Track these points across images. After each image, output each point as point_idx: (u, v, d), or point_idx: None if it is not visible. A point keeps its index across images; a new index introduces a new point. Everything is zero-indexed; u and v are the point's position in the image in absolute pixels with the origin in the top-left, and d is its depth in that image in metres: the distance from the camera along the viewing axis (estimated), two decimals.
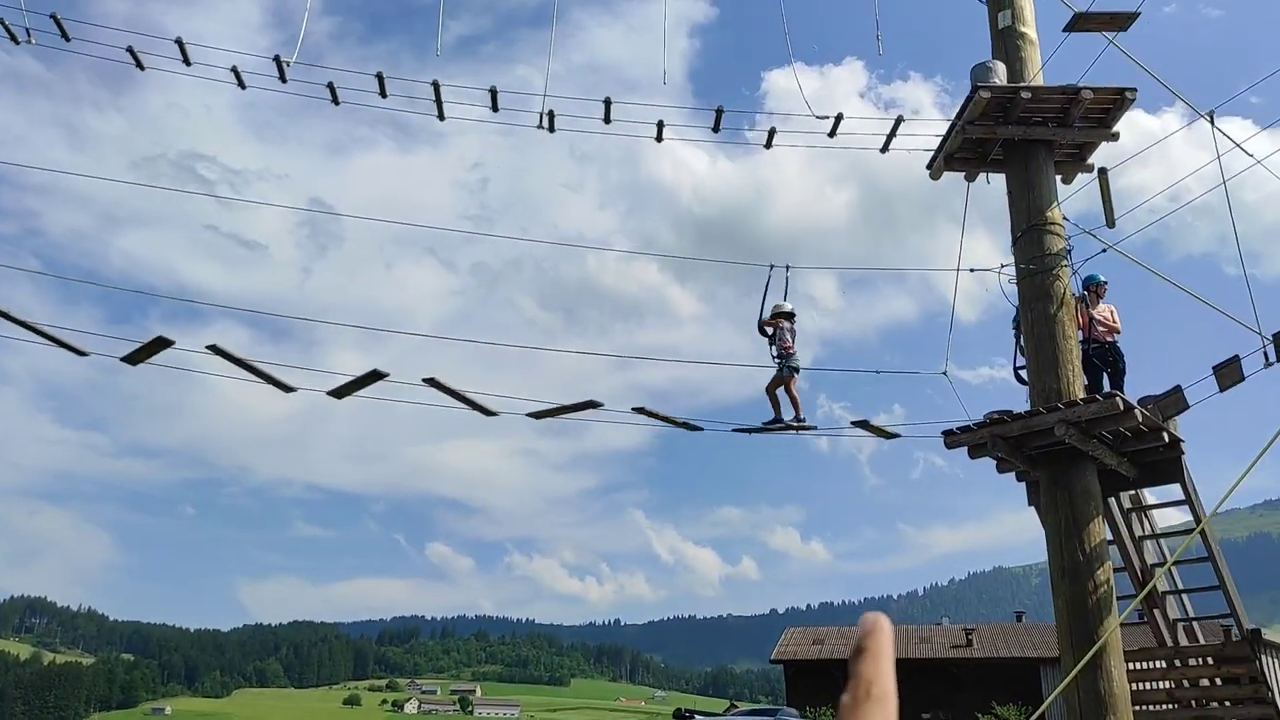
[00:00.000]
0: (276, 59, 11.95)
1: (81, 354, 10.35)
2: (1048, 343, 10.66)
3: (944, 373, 11.75)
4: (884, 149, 12.22)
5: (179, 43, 10.72)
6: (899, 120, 11.84)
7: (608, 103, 11.61)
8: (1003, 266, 11.40)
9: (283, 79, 12.00)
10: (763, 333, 12.59)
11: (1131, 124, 11.81)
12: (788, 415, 12.16)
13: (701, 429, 11.78)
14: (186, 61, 10.93)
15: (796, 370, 12.36)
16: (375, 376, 10.37)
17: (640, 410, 11.04)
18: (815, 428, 12.12)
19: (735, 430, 11.68)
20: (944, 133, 11.83)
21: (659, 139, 11.93)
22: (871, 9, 13.32)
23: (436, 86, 12.09)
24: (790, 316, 12.66)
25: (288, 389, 10.50)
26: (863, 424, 11.08)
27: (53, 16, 10.56)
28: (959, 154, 11.94)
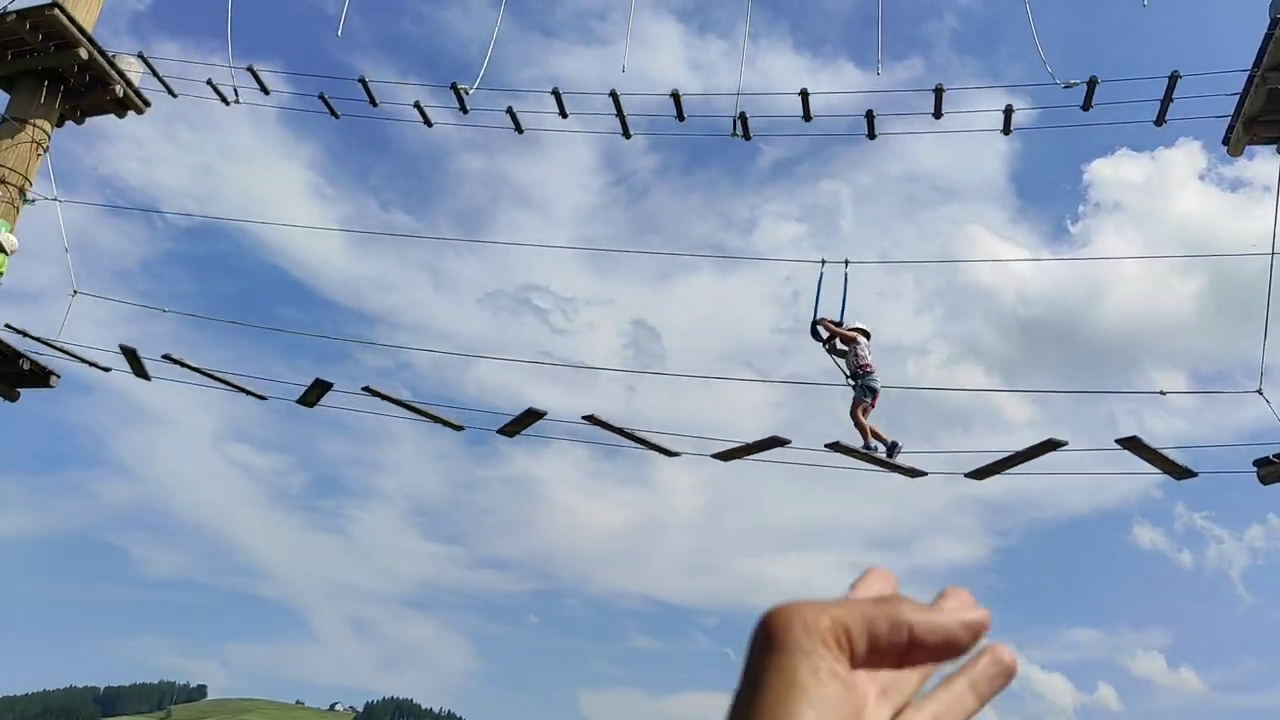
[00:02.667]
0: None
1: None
2: None
3: (1259, 390, 8.91)
4: (1158, 121, 9.84)
5: (363, 86, 10.70)
6: (1173, 79, 9.44)
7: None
8: None
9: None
10: (815, 336, 11.38)
11: None
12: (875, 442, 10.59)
13: (924, 474, 9.85)
14: (385, 105, 10.91)
15: (876, 392, 10.89)
16: (534, 416, 10.78)
17: (834, 447, 9.33)
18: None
19: (969, 476, 9.55)
20: (1239, 91, 9.38)
21: (871, 135, 10.33)
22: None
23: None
24: (866, 334, 11.40)
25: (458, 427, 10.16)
26: (1132, 443, 8.32)
27: (249, 69, 10.87)
28: (1265, 117, 9.42)
